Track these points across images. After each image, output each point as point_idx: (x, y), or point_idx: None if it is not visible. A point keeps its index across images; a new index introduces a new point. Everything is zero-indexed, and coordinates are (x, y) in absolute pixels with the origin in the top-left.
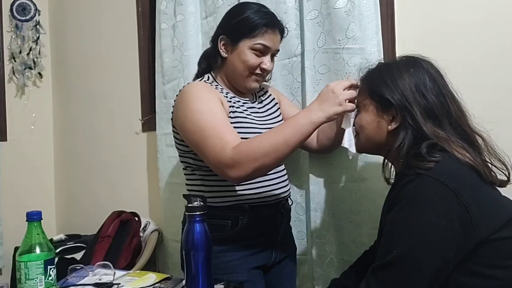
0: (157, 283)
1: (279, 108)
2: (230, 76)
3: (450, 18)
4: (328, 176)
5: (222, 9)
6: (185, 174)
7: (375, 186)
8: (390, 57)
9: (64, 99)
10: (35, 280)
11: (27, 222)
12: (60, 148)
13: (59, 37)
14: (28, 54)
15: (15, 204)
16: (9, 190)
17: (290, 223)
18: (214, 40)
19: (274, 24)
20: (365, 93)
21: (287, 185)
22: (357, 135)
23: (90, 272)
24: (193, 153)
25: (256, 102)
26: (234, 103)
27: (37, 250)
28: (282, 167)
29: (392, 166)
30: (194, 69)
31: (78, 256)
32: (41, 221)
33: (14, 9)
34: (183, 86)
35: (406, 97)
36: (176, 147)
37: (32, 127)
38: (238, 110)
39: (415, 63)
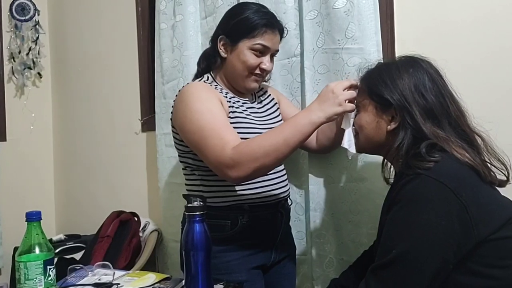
0: (156, 283)
1: (278, 108)
2: (229, 76)
3: (449, 18)
4: (328, 176)
5: (222, 9)
6: (184, 174)
7: (374, 186)
8: (390, 57)
9: (64, 99)
10: (35, 280)
11: (26, 222)
12: (59, 148)
13: (58, 37)
14: (27, 54)
15: (14, 204)
16: (8, 190)
17: (290, 223)
18: (214, 40)
19: (273, 25)
20: (365, 93)
21: (286, 185)
22: (356, 135)
23: (89, 272)
24: (192, 153)
25: (256, 102)
26: (233, 103)
27: (37, 250)
28: (282, 167)
29: (392, 166)
30: (193, 69)
31: (77, 256)
32: (41, 221)
33: (13, 9)
34: (183, 86)
35: (405, 97)
36: (176, 147)
37: (32, 127)
38: (237, 110)
39: (414, 63)
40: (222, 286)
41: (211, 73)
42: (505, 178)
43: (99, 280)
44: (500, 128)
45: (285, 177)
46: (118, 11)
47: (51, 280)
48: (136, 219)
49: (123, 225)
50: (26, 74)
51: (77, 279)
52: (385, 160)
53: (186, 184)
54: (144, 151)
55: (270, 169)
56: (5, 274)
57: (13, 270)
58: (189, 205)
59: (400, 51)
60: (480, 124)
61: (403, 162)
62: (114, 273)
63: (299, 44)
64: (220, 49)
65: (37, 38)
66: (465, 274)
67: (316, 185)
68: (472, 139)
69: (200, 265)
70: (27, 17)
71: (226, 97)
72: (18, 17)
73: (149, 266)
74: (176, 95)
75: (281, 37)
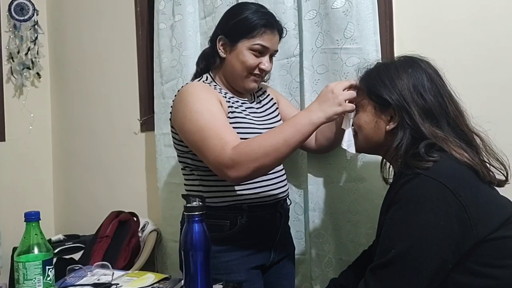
0: (155, 283)
1: (277, 108)
2: (228, 76)
3: (448, 18)
4: (327, 176)
5: (221, 9)
6: (183, 174)
7: (373, 186)
8: (388, 57)
9: (63, 99)
10: (34, 281)
11: (25, 223)
12: (58, 148)
13: (57, 37)
14: (26, 54)
15: (13, 204)
16: (7, 190)
17: (289, 223)
18: (213, 40)
19: (272, 25)
20: (364, 93)
21: (285, 185)
22: (355, 135)
23: (88, 273)
24: (191, 153)
25: (255, 102)
26: (232, 103)
27: (35, 250)
28: (281, 167)
29: (391, 166)
30: (192, 69)
31: (76, 256)
32: (40, 221)
33: (12, 9)
34: (182, 86)
35: (404, 97)
36: (175, 147)
37: (31, 127)
38: (236, 110)
39: (413, 63)
40: (221, 286)
41: (210, 73)
42: (504, 178)
43: (98, 280)
44: (499, 128)
45: (284, 177)
46: (117, 11)
47: (50, 280)
48: (135, 219)
49: (122, 225)
50: (25, 74)
51: (76, 279)
52: (384, 160)
53: (185, 184)
54: (143, 151)
55: (270, 169)
56: (4, 274)
57: (12, 270)
58: (188, 205)
59: (399, 51)
60: (479, 124)
61: (402, 162)
62: (113, 273)
63: (298, 44)
64: (219, 49)
65: (36, 38)
66: (464, 273)
67: (315, 185)
68: (471, 139)
69: (199, 265)
70: (26, 17)
71: (225, 97)
72: (17, 17)
73: (148, 266)
74: (175, 95)
75: (280, 37)
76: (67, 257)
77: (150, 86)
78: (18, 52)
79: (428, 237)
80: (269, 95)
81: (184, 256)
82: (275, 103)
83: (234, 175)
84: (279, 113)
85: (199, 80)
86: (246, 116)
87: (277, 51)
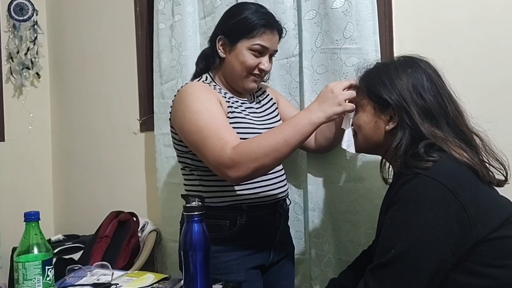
0: (155, 283)
1: (277, 108)
2: (228, 76)
3: (447, 18)
4: (326, 176)
5: (220, 9)
6: (183, 174)
7: (372, 186)
8: (388, 57)
9: (62, 99)
10: (33, 281)
11: (24, 223)
12: (58, 148)
13: (57, 37)
14: (25, 54)
15: (13, 205)
16: (7, 190)
17: (288, 223)
18: (212, 40)
19: (272, 25)
20: (363, 93)
21: (285, 185)
22: (355, 134)
23: (88, 273)
24: (191, 153)
25: (254, 102)
26: (232, 103)
27: (35, 250)
28: (280, 167)
29: (390, 166)
30: (192, 69)
31: (76, 256)
32: (39, 221)
33: (11, 9)
34: (181, 86)
35: (403, 97)
36: (174, 147)
37: (30, 127)
38: (236, 110)
39: (412, 63)
40: (221, 286)
41: (210, 73)
42: (504, 178)
43: (97, 280)
44: (499, 128)
45: (284, 177)
46: (116, 11)
47: (49, 280)
48: (134, 219)
49: (122, 225)
50: (24, 74)
51: (75, 279)
52: (384, 160)
53: (184, 184)
54: (142, 151)
55: (270, 169)
56: (3, 274)
57: (12, 270)
58: (187, 205)
59: (398, 51)
60: (478, 124)
61: (402, 162)
62: (112, 273)
63: (298, 44)
64: (219, 49)
65: (36, 38)
66: (464, 273)
67: (314, 185)
68: (470, 139)
69: (198, 265)
70: (25, 17)
71: (225, 97)
72: (16, 17)
73: (148, 266)
74: (175, 95)
75: (280, 37)
76: (66, 257)
77: (149, 86)
78: (18, 52)
79: (427, 237)
80: (268, 95)
81: (183, 256)
82: (274, 103)
83: (234, 175)
84: (278, 113)
85: (198, 80)
86: (246, 116)
87: (276, 51)
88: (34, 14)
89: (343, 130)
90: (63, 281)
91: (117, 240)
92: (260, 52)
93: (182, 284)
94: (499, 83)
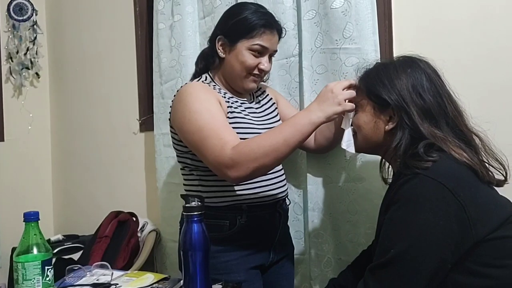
0: (155, 283)
1: (276, 108)
2: (227, 76)
3: (447, 17)
4: (326, 176)
5: (220, 9)
6: (182, 174)
7: (372, 186)
8: (387, 57)
9: (62, 99)
10: (33, 281)
11: (24, 223)
12: (57, 148)
13: (56, 37)
14: (25, 54)
15: (12, 205)
16: (6, 190)
17: (288, 223)
18: (212, 40)
19: (272, 25)
20: (363, 93)
21: (285, 185)
22: (354, 134)
23: (87, 273)
24: (191, 153)
25: (254, 102)
26: (232, 103)
27: (35, 250)
28: (280, 167)
29: (390, 166)
30: (191, 69)
31: (75, 256)
32: (39, 221)
33: (11, 9)
34: (181, 86)
35: (403, 97)
36: (174, 148)
37: (30, 128)
38: (236, 110)
39: (412, 63)
40: (221, 286)
41: (209, 73)
42: (503, 178)
43: (97, 280)
44: (498, 128)
45: (283, 177)
46: (116, 11)
47: (49, 280)
48: (134, 219)
49: (121, 225)
50: (24, 74)
51: (75, 279)
52: (383, 160)
53: (184, 184)
54: (142, 151)
55: (270, 169)
56: (3, 274)
57: (11, 270)
58: (187, 205)
59: (398, 51)
60: (478, 124)
61: (401, 162)
62: (112, 273)
63: (297, 44)
64: (219, 49)
65: (35, 38)
66: (463, 273)
67: (314, 185)
68: (470, 139)
69: (198, 265)
70: (25, 17)
71: (225, 97)
72: (15, 17)
73: (148, 266)
74: (175, 95)
75: (280, 37)
76: (66, 257)
77: (149, 86)
78: (17, 52)
79: (427, 237)
80: (268, 95)
81: (183, 256)
82: (274, 103)
83: (234, 175)
84: (278, 113)
85: (198, 80)
86: (246, 116)
87: (276, 51)
88: (34, 14)
89: (343, 130)
90: (63, 281)
91: (117, 240)
92: (260, 52)
93: (181, 284)
94: (498, 83)
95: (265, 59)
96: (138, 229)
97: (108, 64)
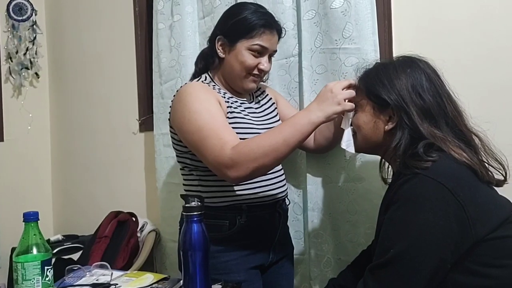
0: (154, 283)
1: (276, 108)
2: (227, 76)
3: (447, 17)
4: (326, 176)
5: (220, 9)
6: (182, 175)
7: (372, 186)
8: (387, 57)
9: (61, 99)
10: (32, 281)
11: (24, 223)
12: (57, 148)
13: (56, 37)
14: (24, 54)
15: (12, 205)
16: (6, 190)
17: (288, 223)
18: (212, 40)
19: (271, 25)
20: (362, 93)
21: (284, 185)
22: (354, 134)
23: (87, 273)
24: (190, 154)
25: (254, 102)
26: (231, 103)
27: (34, 250)
28: (280, 167)
29: (389, 166)
30: (191, 69)
31: (75, 256)
32: (38, 221)
33: (10, 9)
34: (181, 86)
35: (402, 97)
36: (174, 148)
37: (29, 128)
38: (235, 110)
39: (411, 63)
40: (220, 286)
41: (209, 73)
42: (503, 178)
43: (97, 280)
44: (498, 128)
45: (283, 177)
46: (115, 11)
47: (48, 280)
48: (134, 219)
49: (121, 226)
50: (23, 74)
51: (75, 279)
52: (383, 160)
53: (184, 184)
54: (142, 151)
55: (269, 169)
56: (2, 274)
57: (11, 270)
58: (187, 205)
59: (397, 51)
60: (478, 124)
61: (401, 162)
62: (112, 274)
63: (297, 44)
64: (218, 49)
65: (35, 38)
66: (463, 273)
67: (314, 185)
68: (470, 139)
69: (198, 265)
70: (24, 17)
71: (224, 97)
72: (15, 17)
73: (147, 267)
74: (174, 95)
75: (279, 37)
76: (65, 257)
77: (149, 86)
78: (17, 52)
79: (427, 237)
80: (268, 95)
81: (183, 256)
82: (274, 103)
83: (234, 175)
84: (278, 113)
85: (198, 80)
86: (245, 116)
87: (276, 51)
88: (33, 14)
89: (342, 130)
90: (62, 281)
91: (116, 240)
92: (260, 52)
93: (181, 284)
94: (498, 83)
95: (264, 59)
96: (138, 229)
97: (108, 64)
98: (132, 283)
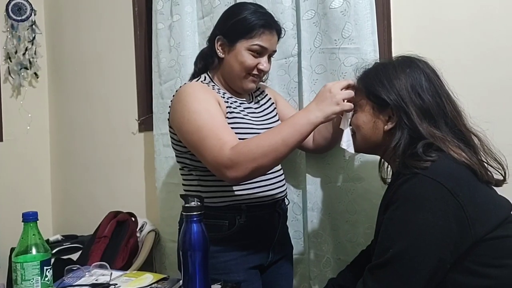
0: (154, 283)
1: (275, 108)
2: (227, 76)
3: (446, 17)
4: (325, 176)
5: (219, 9)
6: (182, 175)
7: (371, 186)
8: (386, 57)
9: (60, 99)
10: (31, 281)
11: (23, 223)
12: (56, 149)
13: (55, 37)
14: (24, 54)
15: (11, 205)
16: (5, 190)
17: (287, 223)
18: (211, 40)
19: (271, 25)
20: (362, 93)
21: (283, 185)
22: (353, 134)
23: (86, 273)
24: (190, 154)
25: (253, 103)
26: (231, 103)
27: (33, 250)
28: (279, 167)
29: (389, 165)
30: (190, 69)
31: (74, 256)
32: (37, 221)
33: (9, 9)
34: (180, 86)
35: (402, 97)
36: (173, 148)
37: (28, 128)
38: (235, 110)
39: (411, 63)
40: (220, 286)
41: (208, 73)
42: (502, 178)
43: (96, 280)
44: (497, 128)
45: (283, 177)
46: (115, 11)
47: (48, 280)
48: (133, 219)
49: (120, 226)
50: (22, 74)
51: (74, 279)
52: (382, 160)
53: (183, 184)
54: (141, 151)
55: (269, 169)
56: (2, 274)
57: (10, 270)
58: (186, 205)
59: (397, 51)
60: (477, 124)
61: (400, 162)
62: (111, 274)
63: (297, 44)
64: (218, 49)
65: (34, 38)
66: (462, 273)
67: (313, 185)
68: (469, 139)
69: (197, 265)
70: (23, 17)
71: (224, 97)
72: (14, 17)
73: (147, 267)
74: (174, 95)
75: (279, 37)
76: (65, 257)
77: (148, 86)
78: (16, 52)
79: (426, 236)
80: (267, 95)
81: (182, 256)
82: (273, 103)
83: (233, 175)
84: (277, 113)
85: (197, 80)
86: (245, 117)
87: (275, 51)
88: (32, 14)
89: (341, 130)
90: (62, 281)
91: (116, 240)
92: (259, 52)
93: (181, 284)
94: (498, 83)
95: (264, 59)
96: (137, 229)
97: (107, 64)
98: (131, 283)
